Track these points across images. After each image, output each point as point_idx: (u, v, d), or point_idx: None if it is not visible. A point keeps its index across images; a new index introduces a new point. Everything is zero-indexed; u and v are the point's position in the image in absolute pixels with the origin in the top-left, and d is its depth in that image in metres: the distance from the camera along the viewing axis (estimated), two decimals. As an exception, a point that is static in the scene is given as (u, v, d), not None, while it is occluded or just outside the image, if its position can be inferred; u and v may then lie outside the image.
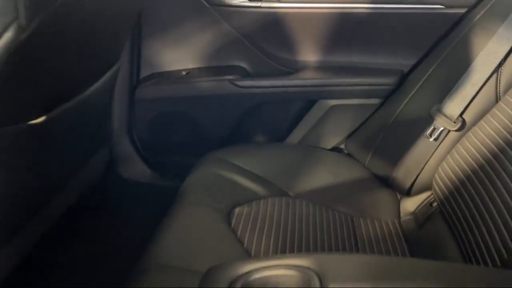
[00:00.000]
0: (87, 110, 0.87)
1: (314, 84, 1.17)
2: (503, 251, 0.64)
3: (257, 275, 0.55)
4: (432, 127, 0.95)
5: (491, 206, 0.72)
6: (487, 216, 0.72)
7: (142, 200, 1.31)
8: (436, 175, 0.91)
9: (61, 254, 1.16)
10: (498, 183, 0.74)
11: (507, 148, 0.77)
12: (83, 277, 1.13)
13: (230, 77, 1.19)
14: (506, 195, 0.71)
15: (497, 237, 0.68)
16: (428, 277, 0.54)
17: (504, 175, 0.73)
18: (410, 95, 1.05)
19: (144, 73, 1.23)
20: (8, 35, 0.52)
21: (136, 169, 1.30)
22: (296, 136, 1.23)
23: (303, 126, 1.22)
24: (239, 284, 0.54)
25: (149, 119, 1.26)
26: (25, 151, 0.71)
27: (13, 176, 0.70)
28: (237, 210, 0.89)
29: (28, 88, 0.61)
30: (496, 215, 0.70)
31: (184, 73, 1.23)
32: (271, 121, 1.25)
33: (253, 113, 1.23)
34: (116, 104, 1.20)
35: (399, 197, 1.05)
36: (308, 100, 1.20)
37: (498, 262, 0.65)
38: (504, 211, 0.69)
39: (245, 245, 0.81)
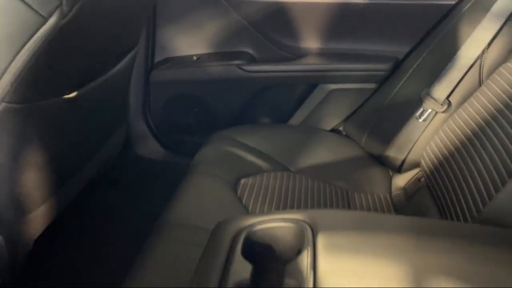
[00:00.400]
0: (109, 89, 0.97)
1: (314, 69, 1.25)
2: (474, 210, 0.74)
3: (258, 227, 0.64)
4: (421, 109, 1.03)
5: (468, 178, 0.81)
6: (464, 185, 0.81)
7: (155, 176, 1.40)
8: (424, 153, 0.99)
9: (79, 227, 1.24)
10: (476, 157, 0.82)
11: (486, 127, 0.85)
12: (100, 247, 1.20)
13: (238, 62, 1.26)
14: (482, 167, 0.79)
15: (470, 201, 0.77)
16: (407, 229, 0.63)
17: (482, 151, 0.82)
18: (403, 80, 1.12)
19: (158, 57, 1.31)
20: (52, 20, 0.61)
21: (150, 147, 1.39)
22: (298, 117, 1.31)
23: (305, 109, 1.29)
24: (242, 235, 0.63)
25: (162, 101, 1.33)
26: (59, 123, 0.81)
27: (48, 145, 0.80)
28: (242, 181, 0.99)
29: (64, 66, 0.71)
30: (472, 184, 0.79)
31: (195, 58, 1.30)
32: (275, 103, 1.32)
33: (258, 96, 1.29)
34: (132, 86, 1.28)
35: (391, 173, 1.13)
36: (309, 84, 1.27)
37: (469, 219, 0.74)
38: (478, 179, 0.78)
39: (249, 210, 0.91)
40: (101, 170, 1.22)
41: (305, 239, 0.59)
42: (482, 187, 0.76)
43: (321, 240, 0.58)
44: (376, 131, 1.17)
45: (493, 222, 0.67)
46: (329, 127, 1.30)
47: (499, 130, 0.80)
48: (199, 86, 1.30)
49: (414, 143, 1.05)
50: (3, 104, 0.66)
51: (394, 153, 1.09)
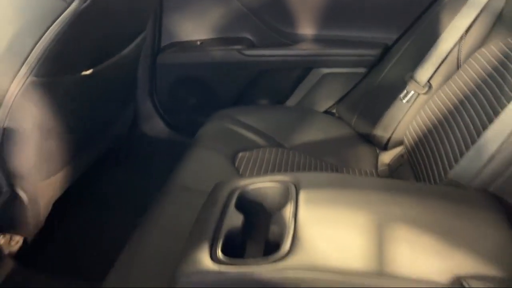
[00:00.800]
0: (120, 69, 1.06)
1: (309, 54, 1.33)
2: (442, 174, 0.83)
3: (250, 187, 0.74)
4: (405, 91, 1.12)
5: (441, 148, 0.90)
6: (437, 155, 0.90)
7: (160, 153, 1.49)
8: (407, 132, 1.08)
9: (88, 197, 1.34)
10: (449, 132, 0.91)
11: (460, 106, 0.94)
12: (107, 215, 1.28)
13: (238, 47, 1.35)
14: (453, 139, 0.88)
15: (440, 167, 0.86)
16: (380, 187, 0.72)
17: (455, 126, 0.91)
18: (390, 65, 1.21)
19: (164, 42, 1.40)
20: (74, 5, 0.71)
21: (156, 126, 1.48)
22: (294, 99, 1.39)
23: (300, 91, 1.38)
24: (236, 192, 0.73)
25: (168, 82, 1.43)
26: (76, 98, 0.91)
27: (67, 117, 0.90)
28: (240, 154, 1.09)
29: (83, 45, 0.81)
30: (443, 153, 0.88)
31: (199, 43, 1.39)
32: (272, 86, 1.40)
33: (257, 78, 1.38)
34: (140, 69, 1.37)
35: (378, 151, 1.22)
36: (304, 68, 1.36)
37: (437, 182, 0.84)
38: (449, 149, 0.87)
39: None
40: (111, 146, 1.32)
41: (289, 195, 0.69)
42: (450, 154, 0.85)
43: (302, 195, 0.68)
44: (365, 112, 1.26)
45: (456, 184, 0.76)
46: (322, 109, 1.39)
47: (470, 108, 0.89)
48: (202, 69, 1.39)
49: (398, 123, 1.14)
50: (31, 78, 0.76)
51: (381, 132, 1.18)
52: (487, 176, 0.71)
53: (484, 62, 0.94)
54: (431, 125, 1.00)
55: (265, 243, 0.68)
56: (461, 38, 1.03)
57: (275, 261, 0.57)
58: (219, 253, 0.60)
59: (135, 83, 1.37)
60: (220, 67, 1.37)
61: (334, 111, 1.40)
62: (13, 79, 0.75)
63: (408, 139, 1.07)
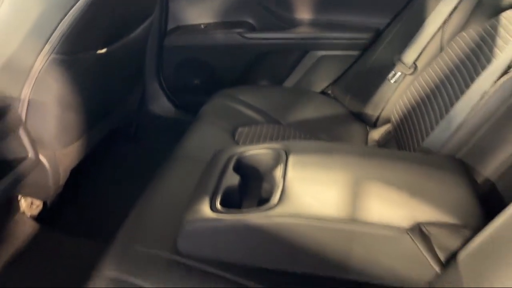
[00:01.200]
0: (130, 50, 1.15)
1: (306, 37, 1.41)
2: (418, 142, 0.93)
3: (247, 153, 0.84)
4: (393, 72, 1.21)
5: (421, 122, 0.99)
6: (417, 128, 0.99)
7: (165, 131, 1.57)
8: (394, 110, 1.17)
9: (98, 169, 1.44)
10: (429, 108, 1.00)
11: (440, 85, 1.02)
12: (114, 186, 1.39)
13: (239, 30, 1.43)
14: (432, 114, 0.97)
15: (419, 136, 0.96)
16: (361, 153, 0.82)
17: (434, 103, 1.00)
18: (381, 48, 1.29)
19: (170, 25, 1.48)
20: None
21: (162, 105, 1.57)
22: (291, 80, 1.48)
23: (298, 72, 1.46)
24: (234, 157, 0.83)
25: (174, 64, 1.51)
26: (92, 74, 1.01)
27: (83, 92, 1.00)
28: (239, 129, 1.18)
29: (99, 25, 0.90)
30: (422, 125, 0.97)
31: (202, 26, 1.48)
32: (271, 67, 1.48)
33: (257, 60, 1.46)
34: (148, 50, 1.46)
35: (368, 129, 1.31)
36: (302, 51, 1.44)
37: (414, 150, 0.94)
38: (427, 121, 0.96)
39: None
40: (121, 122, 1.42)
41: (280, 159, 0.79)
42: (428, 126, 0.95)
43: (291, 159, 0.78)
44: (357, 92, 1.34)
45: (428, 151, 0.86)
46: (319, 89, 1.48)
47: (448, 86, 0.98)
48: (206, 51, 1.48)
49: (387, 102, 1.23)
50: (53, 55, 0.86)
51: (371, 110, 1.27)
52: (454, 145, 0.81)
53: (463, 45, 1.02)
54: (414, 103, 1.08)
55: (258, 199, 0.78)
56: (444, 22, 1.11)
57: (265, 210, 0.67)
58: (218, 205, 0.70)
59: (144, 64, 1.46)
60: (222, 49, 1.46)
61: (329, 91, 1.49)
62: (38, 56, 0.85)
63: (395, 116, 1.15)
